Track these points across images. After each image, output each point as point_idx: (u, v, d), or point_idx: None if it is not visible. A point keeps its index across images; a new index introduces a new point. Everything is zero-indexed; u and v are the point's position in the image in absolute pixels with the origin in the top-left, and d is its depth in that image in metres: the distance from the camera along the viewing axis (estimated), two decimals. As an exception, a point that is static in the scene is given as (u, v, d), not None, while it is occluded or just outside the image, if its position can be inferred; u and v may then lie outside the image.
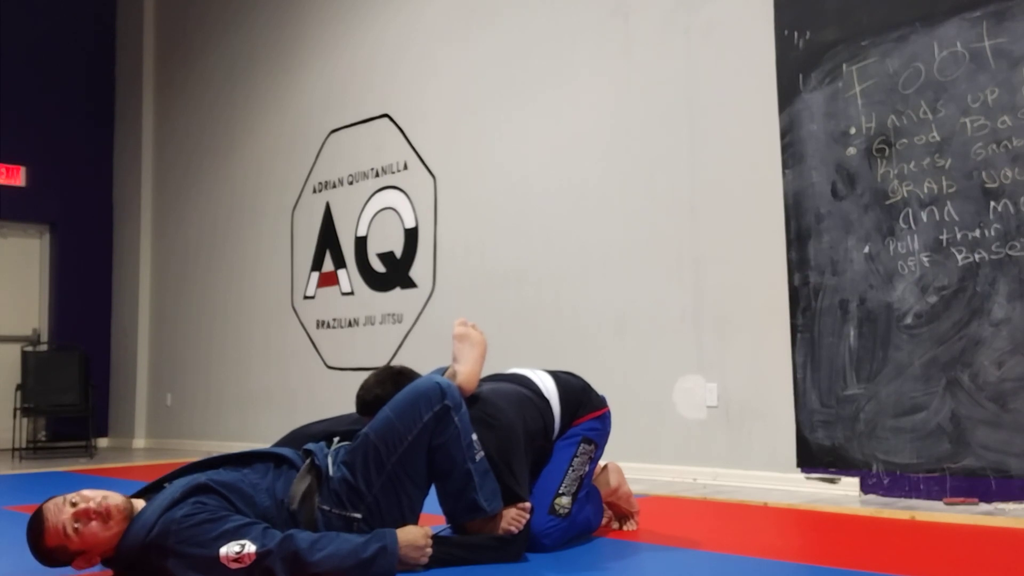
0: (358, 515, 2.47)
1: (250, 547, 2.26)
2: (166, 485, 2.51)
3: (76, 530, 2.29)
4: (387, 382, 2.72)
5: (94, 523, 2.31)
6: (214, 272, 7.88)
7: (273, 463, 2.57)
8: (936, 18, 3.92)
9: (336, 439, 2.66)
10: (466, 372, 2.74)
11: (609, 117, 5.12)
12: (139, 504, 2.43)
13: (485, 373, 2.90)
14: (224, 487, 2.41)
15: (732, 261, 4.56)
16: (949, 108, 3.86)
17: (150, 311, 8.53)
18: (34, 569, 2.61)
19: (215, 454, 2.69)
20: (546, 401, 2.89)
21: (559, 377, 3.01)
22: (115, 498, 2.36)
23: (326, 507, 2.48)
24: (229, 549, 2.25)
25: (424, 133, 6.16)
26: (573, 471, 2.83)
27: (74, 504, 2.32)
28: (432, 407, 2.50)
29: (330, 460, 2.55)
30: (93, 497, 2.34)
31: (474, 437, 2.57)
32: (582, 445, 2.88)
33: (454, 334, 2.82)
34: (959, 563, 2.59)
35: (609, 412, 3.03)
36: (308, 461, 2.55)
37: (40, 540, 2.32)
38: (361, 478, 2.48)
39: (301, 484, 2.49)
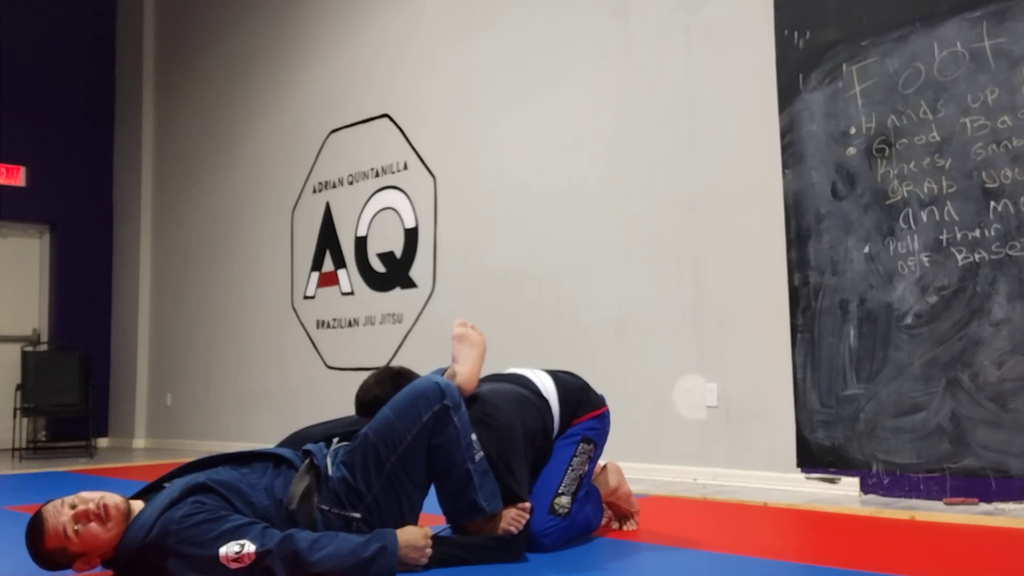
0: (357, 515, 2.47)
1: (249, 547, 2.26)
2: (165, 485, 2.50)
3: (76, 532, 2.29)
4: (386, 382, 2.72)
5: (93, 524, 2.30)
6: (214, 272, 7.88)
7: (272, 463, 2.57)
8: (936, 18, 3.92)
9: (335, 440, 2.66)
10: (465, 372, 2.74)
11: (609, 117, 5.12)
12: (138, 505, 2.43)
13: (484, 373, 2.90)
14: (223, 486, 2.41)
15: (732, 261, 4.56)
16: (949, 108, 3.86)
17: (150, 311, 8.53)
18: (34, 569, 2.61)
19: (215, 453, 2.69)
20: (545, 401, 2.89)
21: (558, 377, 3.01)
22: (113, 499, 2.36)
23: (325, 507, 2.48)
24: (228, 549, 2.25)
25: (424, 133, 6.16)
26: (572, 471, 2.83)
27: (73, 506, 2.31)
28: (431, 407, 2.50)
29: (329, 460, 2.55)
30: (92, 498, 2.33)
31: (473, 437, 2.57)
32: (581, 445, 2.88)
33: (453, 335, 2.82)
34: (959, 563, 2.58)
35: (608, 411, 3.03)
36: (307, 461, 2.55)
37: (40, 543, 2.31)
38: (360, 478, 2.48)
39: (300, 484, 2.49)
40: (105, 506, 2.32)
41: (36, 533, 2.32)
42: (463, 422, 2.54)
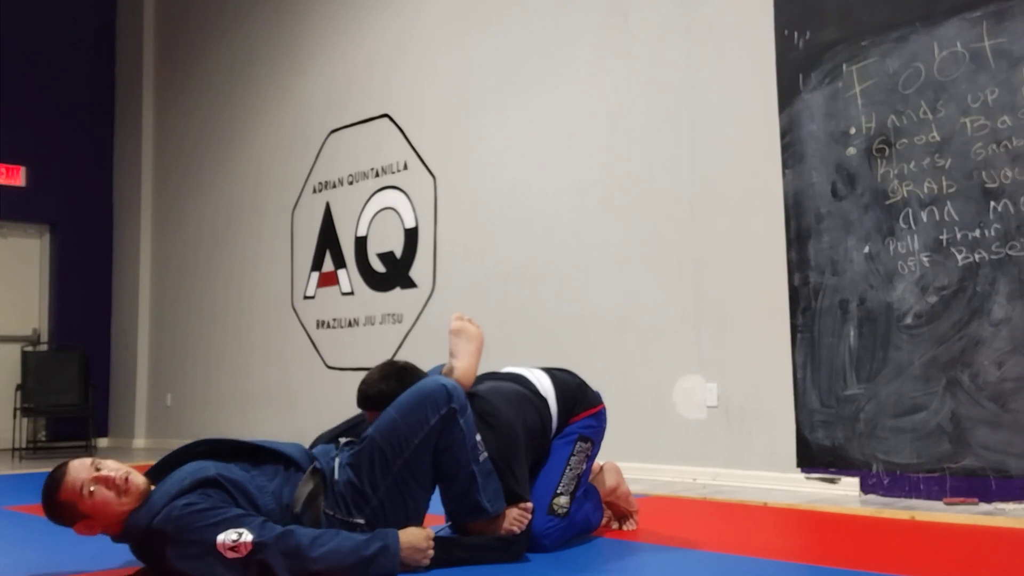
0: (361, 521, 2.47)
1: (247, 536, 2.26)
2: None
3: (91, 493, 2.33)
4: (391, 378, 2.70)
5: (110, 492, 2.33)
6: (214, 272, 7.88)
7: (283, 465, 2.56)
8: (936, 18, 3.92)
9: (342, 440, 2.66)
10: (463, 367, 2.74)
11: (609, 117, 5.12)
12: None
13: (482, 371, 2.89)
14: (232, 484, 2.42)
15: (732, 261, 4.56)
16: (949, 108, 3.86)
17: (150, 311, 8.53)
18: (34, 568, 2.62)
19: (223, 437, 2.68)
20: (543, 400, 2.89)
21: (555, 375, 3.00)
22: (136, 477, 2.40)
23: (330, 512, 2.48)
24: (227, 537, 2.26)
25: (424, 133, 6.16)
26: (571, 470, 2.83)
27: (98, 468, 2.36)
28: (439, 410, 2.49)
29: (336, 463, 2.54)
30: (117, 469, 2.38)
31: (478, 438, 2.57)
32: (579, 443, 2.87)
33: (451, 329, 2.81)
34: (959, 563, 2.59)
35: (604, 409, 3.03)
36: (311, 465, 2.55)
37: (55, 491, 2.35)
38: (367, 480, 2.48)
39: (305, 487, 2.48)
40: (127, 480, 2.36)
41: (55, 481, 2.36)
42: (469, 424, 2.54)
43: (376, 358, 6.23)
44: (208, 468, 2.44)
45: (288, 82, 7.29)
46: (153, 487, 2.43)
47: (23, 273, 8.43)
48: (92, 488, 2.32)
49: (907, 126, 3.98)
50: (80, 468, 2.36)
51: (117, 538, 2.43)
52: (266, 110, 7.48)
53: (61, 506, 2.35)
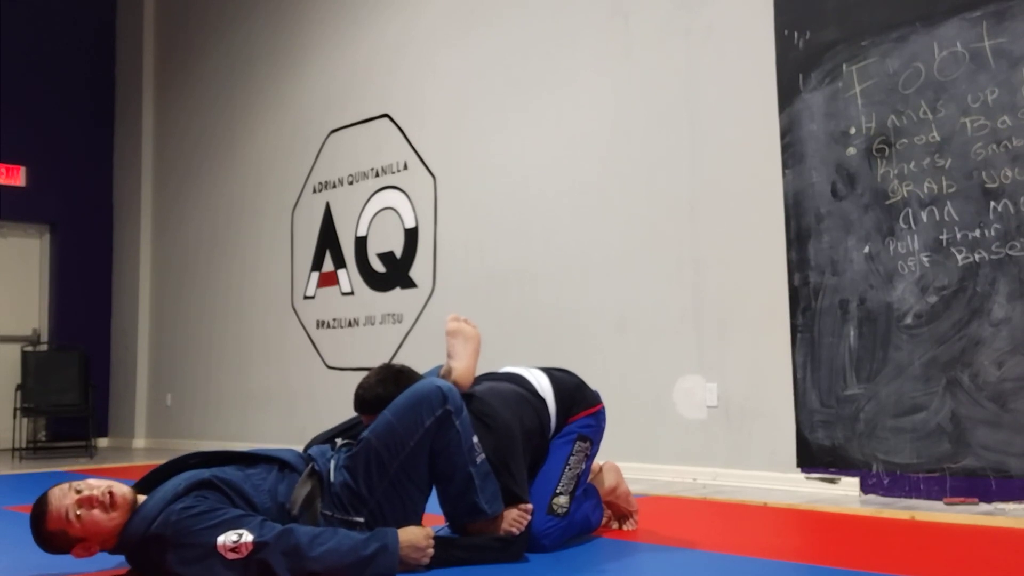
0: (360, 519, 2.48)
1: (247, 536, 2.27)
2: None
3: (78, 516, 2.31)
4: (388, 381, 2.71)
5: (96, 511, 2.33)
6: (214, 272, 7.88)
7: (277, 467, 2.56)
8: (936, 18, 3.92)
9: (338, 441, 2.66)
10: (461, 368, 2.74)
11: (609, 117, 5.12)
12: (141, 498, 2.44)
13: (480, 371, 2.89)
14: (227, 485, 2.42)
15: (732, 261, 4.56)
16: (949, 108, 3.86)
17: (150, 311, 8.53)
18: (34, 568, 2.62)
19: (216, 449, 2.69)
20: (542, 400, 2.89)
21: (553, 375, 3.00)
22: (120, 488, 2.38)
23: (328, 512, 2.48)
24: (227, 538, 2.26)
25: (424, 133, 6.16)
26: (570, 469, 2.83)
27: (79, 491, 2.34)
28: (434, 412, 2.49)
29: (332, 465, 2.54)
30: (98, 486, 2.36)
31: (475, 439, 2.57)
32: (578, 443, 2.87)
33: (447, 329, 2.82)
34: (959, 563, 2.59)
35: (603, 408, 3.03)
36: (308, 467, 2.55)
37: (42, 523, 2.34)
38: (363, 483, 2.48)
39: (302, 489, 2.48)
40: (111, 494, 2.34)
41: (39, 513, 2.35)
42: (465, 426, 2.54)
43: (376, 358, 6.23)
44: (203, 472, 2.45)
45: (288, 82, 7.29)
46: (141, 496, 2.43)
47: (23, 273, 8.43)
48: (79, 512, 2.31)
49: (907, 126, 3.98)
50: (61, 496, 2.34)
51: (114, 550, 2.42)
52: (266, 110, 7.48)
53: (52, 536, 2.34)
